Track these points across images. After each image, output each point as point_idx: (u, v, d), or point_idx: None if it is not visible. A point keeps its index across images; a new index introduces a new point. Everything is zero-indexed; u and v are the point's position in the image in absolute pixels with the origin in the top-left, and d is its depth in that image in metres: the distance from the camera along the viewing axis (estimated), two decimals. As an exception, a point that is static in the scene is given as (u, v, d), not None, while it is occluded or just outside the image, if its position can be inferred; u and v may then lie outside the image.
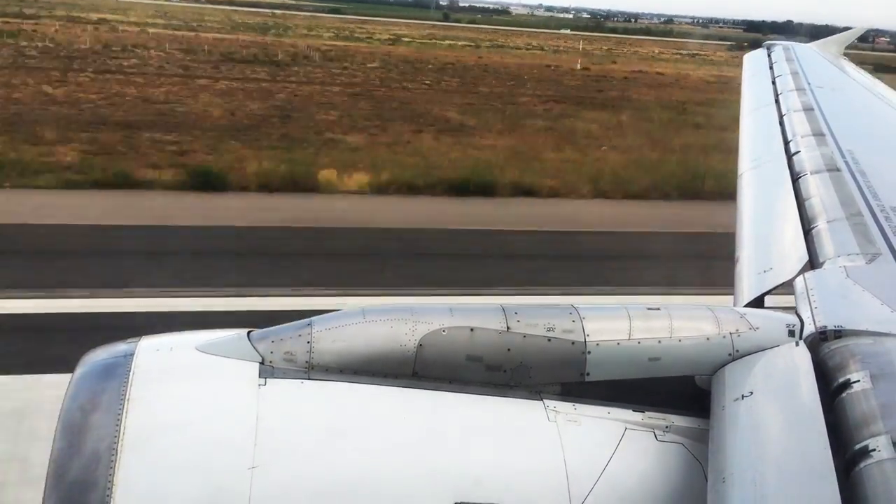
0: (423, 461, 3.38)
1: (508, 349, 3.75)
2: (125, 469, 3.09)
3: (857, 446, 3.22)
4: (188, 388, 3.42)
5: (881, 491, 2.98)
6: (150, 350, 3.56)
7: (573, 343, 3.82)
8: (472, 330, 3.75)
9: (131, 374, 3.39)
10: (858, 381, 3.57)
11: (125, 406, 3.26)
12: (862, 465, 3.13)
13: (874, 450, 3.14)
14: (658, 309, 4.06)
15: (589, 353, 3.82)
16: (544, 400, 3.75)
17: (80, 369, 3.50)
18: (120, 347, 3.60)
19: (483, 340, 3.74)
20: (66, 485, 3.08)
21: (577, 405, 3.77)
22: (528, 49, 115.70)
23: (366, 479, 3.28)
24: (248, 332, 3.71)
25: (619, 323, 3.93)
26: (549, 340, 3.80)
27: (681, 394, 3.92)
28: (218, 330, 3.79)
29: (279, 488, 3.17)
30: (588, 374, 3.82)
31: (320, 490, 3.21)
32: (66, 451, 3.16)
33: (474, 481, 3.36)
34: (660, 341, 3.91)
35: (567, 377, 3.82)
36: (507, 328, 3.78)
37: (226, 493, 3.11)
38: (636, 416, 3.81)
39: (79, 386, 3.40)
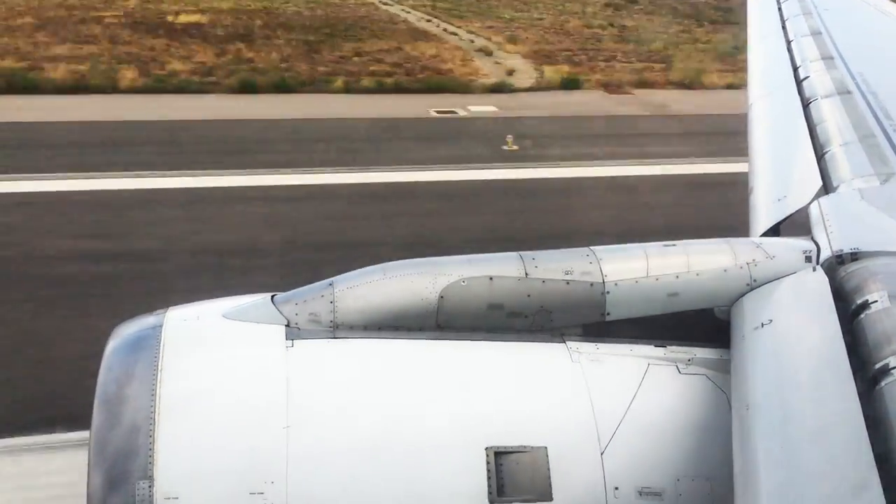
0: (452, 410, 3.46)
1: (528, 295, 3.80)
2: (164, 436, 3.19)
3: (878, 365, 3.25)
4: (218, 355, 3.50)
5: None
6: (177, 320, 3.64)
7: (592, 284, 3.86)
8: (491, 279, 3.79)
9: (161, 344, 3.47)
10: (877, 301, 3.59)
11: (158, 376, 3.34)
12: (883, 383, 3.16)
13: (894, 367, 3.17)
14: (675, 245, 4.09)
15: (608, 293, 3.86)
16: (567, 342, 3.80)
17: (112, 343, 3.59)
18: (148, 320, 3.68)
19: (503, 288, 3.79)
20: (110, 455, 3.18)
21: (600, 345, 3.82)
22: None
23: (397, 431, 3.36)
24: (272, 297, 3.78)
25: (636, 262, 3.97)
26: (568, 283, 3.85)
27: (701, 327, 3.97)
28: (242, 296, 3.86)
29: (314, 445, 3.26)
30: (608, 314, 3.87)
31: (354, 444, 3.30)
32: (105, 423, 3.26)
33: (504, 426, 3.44)
34: (678, 276, 3.94)
35: (588, 318, 3.87)
36: (526, 274, 3.83)
37: (263, 453, 3.21)
38: (658, 352, 3.86)
39: (112, 360, 3.49)
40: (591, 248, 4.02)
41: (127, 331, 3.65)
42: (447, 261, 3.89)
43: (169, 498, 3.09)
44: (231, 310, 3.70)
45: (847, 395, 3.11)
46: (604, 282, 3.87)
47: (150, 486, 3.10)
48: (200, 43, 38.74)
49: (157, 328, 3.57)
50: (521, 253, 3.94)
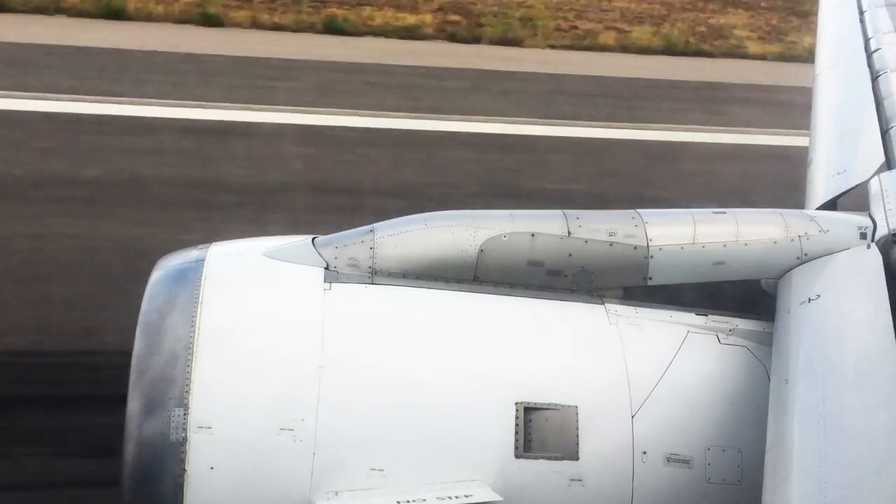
0: (485, 363, 3.46)
1: (570, 254, 3.76)
2: (201, 367, 3.25)
3: None
4: (257, 292, 3.54)
5: None
6: (220, 256, 3.68)
7: (635, 248, 3.80)
8: (532, 235, 3.75)
9: (203, 278, 3.52)
10: None
11: (199, 308, 3.39)
12: None
13: None
14: (724, 213, 3.99)
15: (651, 257, 3.80)
16: (605, 304, 3.76)
17: (156, 273, 3.65)
18: (192, 253, 3.73)
19: (544, 245, 3.75)
20: (148, 381, 3.26)
21: (639, 309, 3.77)
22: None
23: (428, 379, 3.37)
24: (313, 239, 3.80)
25: (683, 228, 3.89)
26: (611, 245, 3.79)
27: (746, 298, 3.89)
28: (283, 237, 3.89)
29: (345, 387, 3.30)
30: (650, 279, 3.81)
31: (384, 389, 3.32)
32: (146, 350, 3.34)
33: (535, 383, 3.43)
34: (725, 245, 3.86)
35: (629, 281, 3.81)
36: (569, 233, 3.78)
37: (296, 391, 3.25)
38: (699, 320, 3.80)
39: (155, 289, 3.55)
40: (638, 210, 3.94)
41: (171, 262, 3.71)
42: (490, 214, 3.86)
43: (202, 427, 3.15)
44: (272, 249, 3.72)
45: (891, 379, 3.04)
46: (648, 246, 3.80)
47: (184, 414, 3.16)
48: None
49: (200, 262, 3.61)
50: (566, 211, 3.88)
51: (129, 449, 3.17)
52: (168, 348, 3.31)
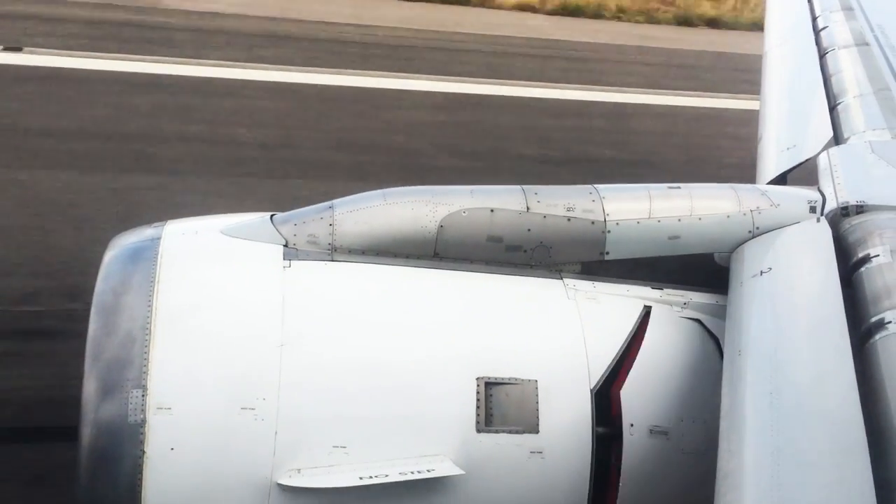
0: (445, 338, 3.47)
1: (528, 229, 3.78)
2: (159, 347, 3.20)
3: (873, 319, 3.25)
4: (215, 270, 3.49)
5: (895, 362, 3.03)
6: (176, 234, 3.61)
7: (593, 222, 3.84)
8: (492, 211, 3.77)
9: (159, 256, 3.45)
10: (878, 255, 3.57)
11: (155, 287, 3.34)
12: (877, 337, 3.17)
13: (890, 322, 3.17)
14: (679, 188, 4.05)
15: (609, 231, 3.84)
16: (564, 279, 3.80)
17: (109, 253, 3.57)
18: (147, 231, 3.66)
19: (503, 221, 3.77)
20: (105, 363, 3.20)
21: (597, 283, 3.82)
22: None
23: (389, 355, 3.37)
24: (272, 216, 3.76)
25: (639, 202, 3.94)
26: (569, 220, 3.82)
27: (700, 272, 3.96)
28: (240, 214, 3.84)
29: (307, 365, 3.28)
30: (608, 253, 3.86)
31: (346, 366, 3.32)
32: (101, 332, 3.27)
33: (495, 358, 3.45)
34: (680, 219, 3.92)
35: (587, 256, 3.85)
36: (527, 209, 3.80)
37: (256, 369, 3.22)
38: (655, 293, 3.86)
39: (109, 269, 3.48)
40: (595, 185, 3.98)
41: (125, 241, 3.64)
42: (449, 190, 3.85)
43: (161, 408, 3.11)
44: (229, 226, 3.67)
45: (840, 348, 3.12)
46: (605, 220, 3.84)
47: (143, 395, 3.12)
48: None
49: (156, 240, 3.55)
50: (525, 186, 3.89)
51: (86, 432, 3.12)
52: (124, 329, 3.25)
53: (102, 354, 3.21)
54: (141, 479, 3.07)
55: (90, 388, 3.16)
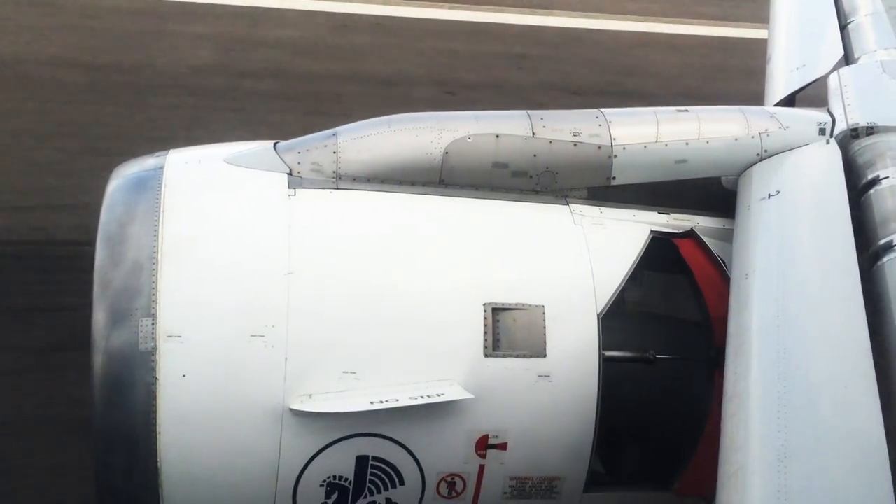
0: (452, 265, 3.47)
1: (534, 155, 3.74)
2: (167, 276, 3.20)
3: (882, 241, 3.24)
4: (220, 199, 3.47)
5: None
6: (179, 163, 3.58)
7: (599, 147, 3.79)
8: (497, 136, 3.72)
9: (163, 185, 3.43)
10: (888, 177, 3.54)
11: (160, 217, 3.32)
12: (885, 259, 3.17)
13: None
14: (687, 111, 3.99)
15: (615, 156, 3.80)
16: (570, 204, 3.78)
17: (113, 182, 3.54)
18: (149, 161, 3.62)
19: (509, 147, 3.73)
20: (113, 293, 3.20)
21: (603, 209, 3.80)
22: None
23: (396, 282, 3.38)
24: (275, 144, 3.71)
25: (646, 127, 3.88)
26: (575, 145, 3.78)
27: (708, 195, 3.94)
28: (243, 142, 3.79)
29: (315, 292, 3.29)
30: (614, 178, 3.82)
31: (354, 293, 3.33)
32: (108, 262, 3.27)
33: (502, 283, 3.46)
34: (687, 143, 3.87)
35: (593, 181, 3.82)
36: (533, 134, 3.75)
37: (265, 297, 3.23)
38: (661, 218, 3.84)
39: (113, 199, 3.46)
40: (602, 109, 3.92)
41: (128, 171, 3.60)
42: (454, 116, 3.80)
43: (171, 336, 3.14)
44: (233, 155, 3.63)
45: (848, 270, 3.12)
46: (612, 145, 3.80)
47: (153, 324, 3.14)
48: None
49: (159, 170, 3.51)
50: (530, 112, 3.84)
51: (98, 360, 3.14)
52: (131, 258, 3.25)
53: (111, 284, 3.22)
54: (155, 406, 3.11)
55: (100, 317, 3.18)
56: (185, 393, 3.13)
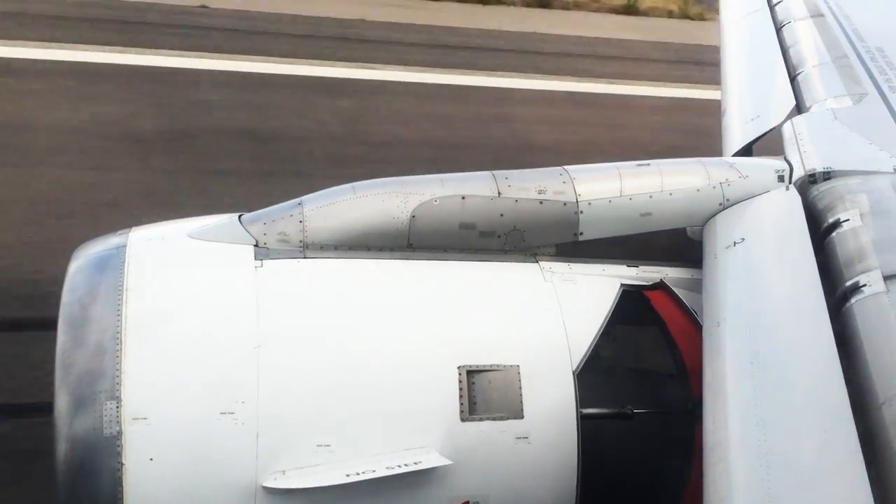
0: (424, 329, 3.43)
1: (501, 214, 3.75)
2: (131, 357, 3.13)
3: (849, 283, 3.27)
4: (185, 274, 3.42)
5: (872, 324, 3.05)
6: (141, 240, 3.53)
7: (565, 204, 3.82)
8: (463, 198, 3.73)
9: (126, 264, 3.37)
10: (848, 219, 3.60)
11: (124, 296, 3.26)
12: (853, 300, 3.19)
13: (865, 285, 3.20)
14: (648, 164, 4.05)
15: (581, 212, 3.83)
16: (539, 262, 3.78)
17: (74, 263, 3.48)
18: (111, 240, 3.57)
19: (475, 207, 3.74)
20: (75, 377, 3.11)
21: (572, 264, 3.81)
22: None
23: (368, 350, 3.33)
24: (239, 217, 3.69)
25: (609, 181, 3.93)
26: (541, 203, 3.80)
27: (674, 247, 3.97)
28: (207, 216, 3.76)
29: (285, 365, 3.23)
30: (581, 234, 3.84)
31: (325, 364, 3.27)
32: (70, 344, 3.19)
33: (476, 345, 3.42)
34: (651, 196, 3.91)
35: (561, 238, 3.84)
36: (499, 194, 3.77)
37: (234, 373, 3.16)
38: (630, 271, 3.86)
39: (74, 280, 3.39)
40: (565, 167, 3.96)
41: (89, 251, 3.55)
42: (419, 180, 3.81)
43: (137, 418, 3.04)
44: (197, 229, 3.60)
45: (818, 313, 3.14)
46: (577, 201, 3.83)
47: (117, 407, 3.04)
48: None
49: (121, 248, 3.46)
50: (494, 172, 3.87)
51: (61, 447, 3.04)
52: (94, 340, 3.17)
53: (73, 367, 3.13)
54: (121, 492, 3.00)
55: (62, 402, 3.08)
56: (152, 477, 3.03)
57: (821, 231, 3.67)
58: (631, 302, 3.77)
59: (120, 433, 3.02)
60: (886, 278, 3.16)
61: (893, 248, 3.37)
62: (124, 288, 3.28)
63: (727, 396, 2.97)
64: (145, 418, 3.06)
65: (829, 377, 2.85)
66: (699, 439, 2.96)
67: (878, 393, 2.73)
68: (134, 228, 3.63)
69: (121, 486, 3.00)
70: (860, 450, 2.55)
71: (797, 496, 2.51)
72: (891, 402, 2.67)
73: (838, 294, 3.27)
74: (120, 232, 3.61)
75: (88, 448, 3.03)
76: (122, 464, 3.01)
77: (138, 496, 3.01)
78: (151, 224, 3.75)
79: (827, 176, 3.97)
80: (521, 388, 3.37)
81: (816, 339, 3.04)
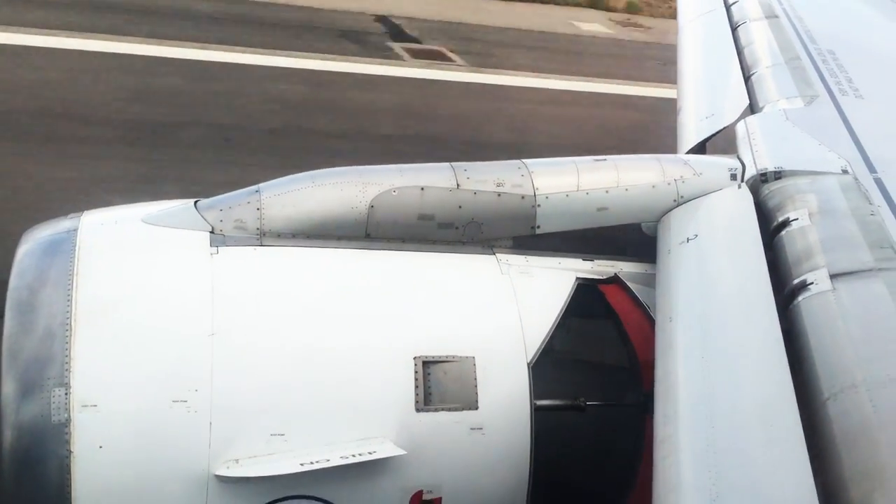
0: (380, 319, 3.43)
1: (459, 206, 3.76)
2: (81, 343, 3.07)
3: (796, 280, 3.35)
4: (138, 260, 3.36)
5: (819, 321, 3.11)
6: (94, 224, 3.46)
7: (523, 197, 3.84)
8: (422, 189, 3.73)
9: (77, 248, 3.30)
10: (797, 219, 3.68)
11: (74, 281, 3.19)
12: (800, 298, 3.27)
13: (812, 283, 3.28)
14: (605, 160, 4.09)
15: (538, 206, 3.85)
16: (497, 254, 3.80)
17: (23, 247, 3.40)
18: (63, 223, 3.49)
19: (434, 199, 3.74)
20: (23, 363, 3.05)
21: (529, 257, 3.83)
22: None
23: (323, 339, 3.32)
24: (196, 202, 3.64)
25: (567, 176, 3.96)
26: (499, 196, 3.82)
27: (629, 242, 4.02)
28: (162, 201, 3.70)
29: (239, 353, 3.20)
30: (538, 227, 3.87)
31: (280, 353, 3.25)
32: (18, 330, 3.11)
33: (431, 336, 3.43)
34: (607, 191, 3.96)
35: (518, 231, 3.86)
36: (458, 185, 3.78)
37: (187, 360, 3.12)
38: (586, 265, 3.90)
39: (23, 264, 3.31)
40: (524, 160, 3.98)
41: (39, 234, 3.46)
42: (378, 170, 3.80)
43: (87, 405, 2.99)
44: (151, 215, 3.54)
45: (766, 310, 3.21)
46: (535, 195, 3.86)
47: (66, 393, 2.99)
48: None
49: (72, 232, 3.39)
50: (454, 164, 3.87)
51: (7, 434, 2.97)
52: (42, 326, 3.10)
53: (20, 353, 3.06)
54: (69, 480, 2.94)
55: (9, 389, 3.01)
56: (102, 465, 2.98)
57: (771, 229, 3.75)
58: (586, 295, 3.82)
59: (68, 420, 2.97)
60: (833, 277, 3.24)
61: (840, 248, 3.45)
62: (75, 273, 3.22)
63: (678, 391, 3.02)
64: (95, 405, 3.01)
65: (776, 373, 2.92)
66: (650, 432, 3.01)
67: (823, 389, 2.80)
68: (86, 212, 3.56)
69: (69, 473, 2.95)
70: (804, 443, 2.62)
71: (743, 489, 2.57)
72: (835, 398, 2.74)
73: (786, 291, 3.35)
74: (72, 215, 3.54)
75: (36, 435, 2.97)
76: (70, 451, 2.95)
77: (87, 484, 2.96)
78: (104, 208, 3.68)
79: (778, 175, 4.05)
80: (476, 379, 3.39)
81: (765, 336, 3.11)
